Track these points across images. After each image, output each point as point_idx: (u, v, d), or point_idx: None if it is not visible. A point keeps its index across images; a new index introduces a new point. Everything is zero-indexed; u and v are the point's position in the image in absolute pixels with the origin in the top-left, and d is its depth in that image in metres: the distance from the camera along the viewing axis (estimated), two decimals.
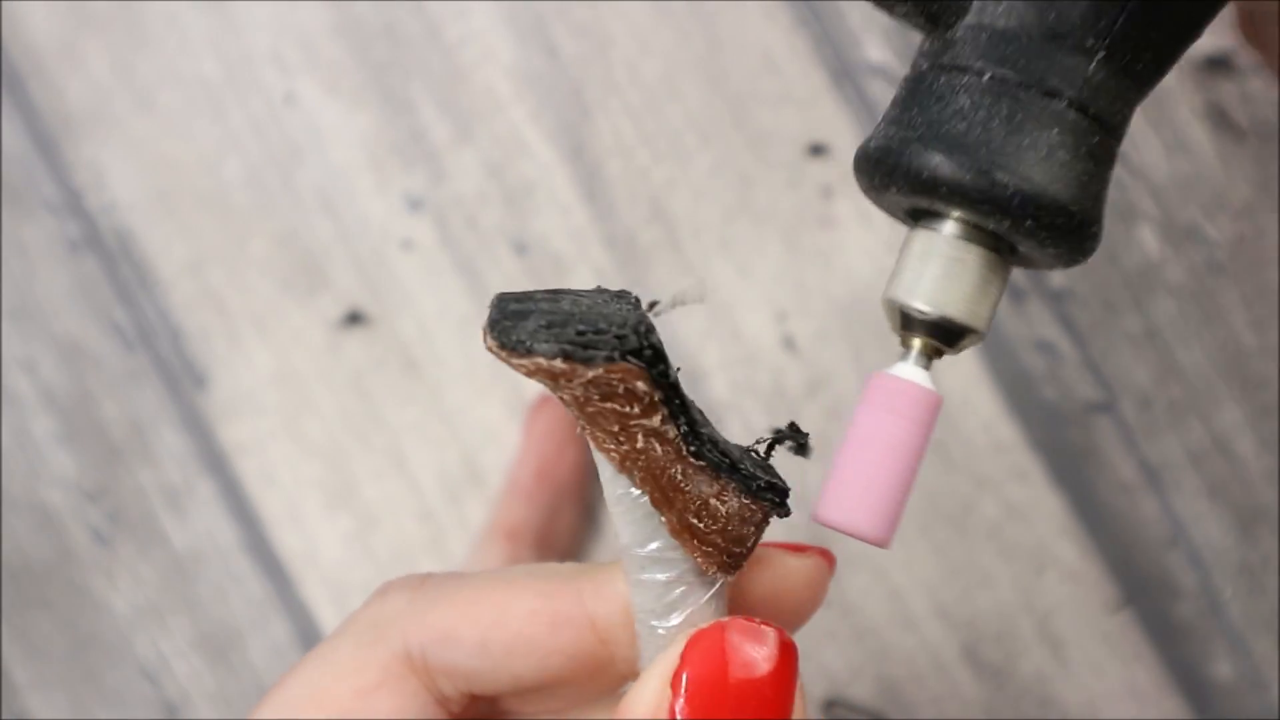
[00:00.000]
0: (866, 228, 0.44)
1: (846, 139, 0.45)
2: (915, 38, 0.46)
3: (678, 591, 0.26)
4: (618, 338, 0.24)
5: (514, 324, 0.25)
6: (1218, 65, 0.44)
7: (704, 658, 0.25)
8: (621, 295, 0.26)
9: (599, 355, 0.24)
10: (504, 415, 0.45)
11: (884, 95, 0.45)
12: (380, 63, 0.46)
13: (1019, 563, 0.44)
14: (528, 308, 0.25)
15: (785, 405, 0.44)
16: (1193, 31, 0.26)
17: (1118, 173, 0.43)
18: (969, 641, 0.44)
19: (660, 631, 0.26)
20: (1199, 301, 0.44)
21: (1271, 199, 0.44)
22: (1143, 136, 0.44)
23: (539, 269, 0.45)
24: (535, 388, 0.45)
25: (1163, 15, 0.25)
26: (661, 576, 0.26)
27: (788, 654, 0.25)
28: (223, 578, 0.45)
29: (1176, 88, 0.44)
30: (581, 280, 0.45)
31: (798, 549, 0.28)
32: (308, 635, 0.45)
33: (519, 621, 0.27)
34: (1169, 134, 0.44)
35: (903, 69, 0.45)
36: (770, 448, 0.27)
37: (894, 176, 0.26)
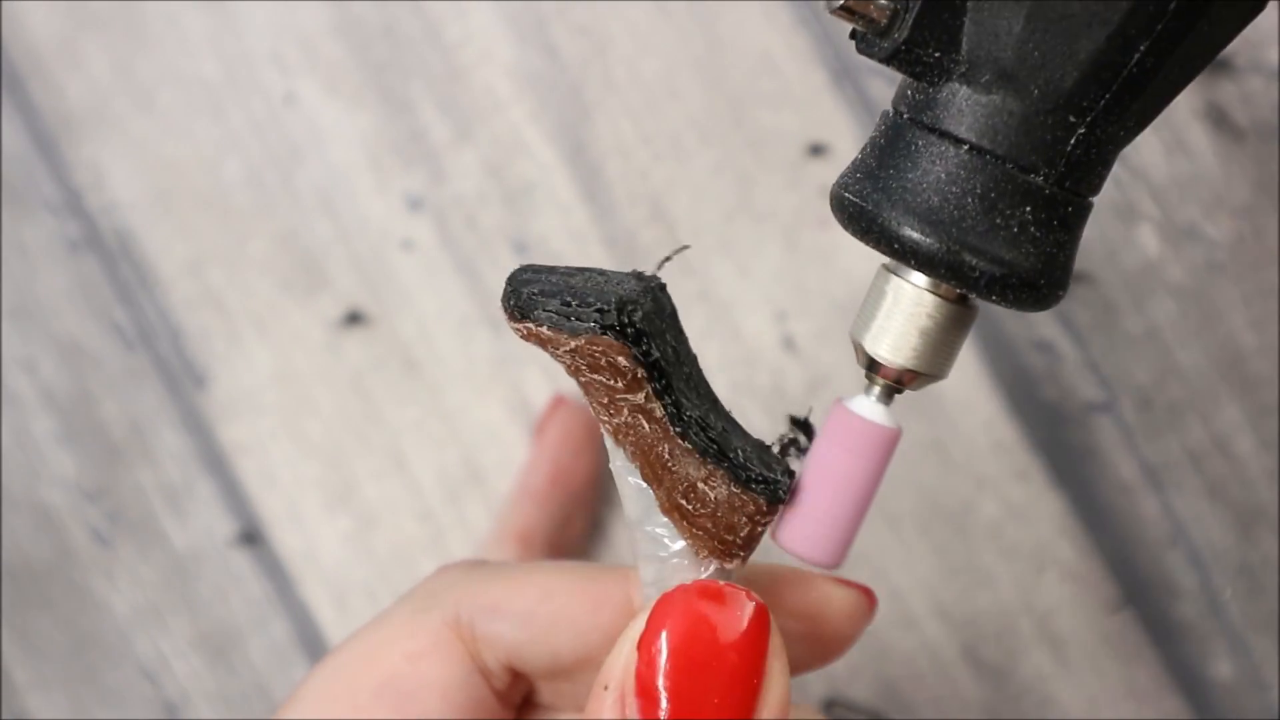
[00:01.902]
0: None
1: (846, 139, 0.45)
2: None
3: (681, 570, 0.27)
4: (599, 312, 0.25)
5: (516, 289, 0.26)
6: (1218, 65, 0.44)
7: (673, 620, 0.25)
8: (638, 276, 0.27)
9: (581, 327, 0.25)
10: (504, 415, 0.45)
11: (884, 95, 0.45)
12: (380, 63, 0.46)
13: (1019, 563, 0.44)
14: (537, 278, 0.26)
15: (785, 405, 0.44)
16: (1174, 96, 0.27)
17: (1117, 172, 0.44)
18: (969, 641, 0.44)
19: None
20: (1199, 301, 0.44)
21: (1271, 199, 0.44)
22: (1143, 137, 0.44)
23: None
24: (537, 389, 0.45)
25: (1147, 89, 0.26)
26: (662, 553, 0.26)
27: (760, 618, 0.26)
28: (223, 578, 0.45)
29: None
30: None
31: (843, 581, 0.29)
32: (308, 635, 0.45)
33: (563, 597, 0.28)
34: (1168, 134, 0.44)
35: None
36: (784, 450, 0.28)
37: (868, 235, 0.27)
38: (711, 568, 0.27)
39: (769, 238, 0.45)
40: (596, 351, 0.25)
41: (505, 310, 0.26)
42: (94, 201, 0.46)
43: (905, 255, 0.26)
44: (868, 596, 0.30)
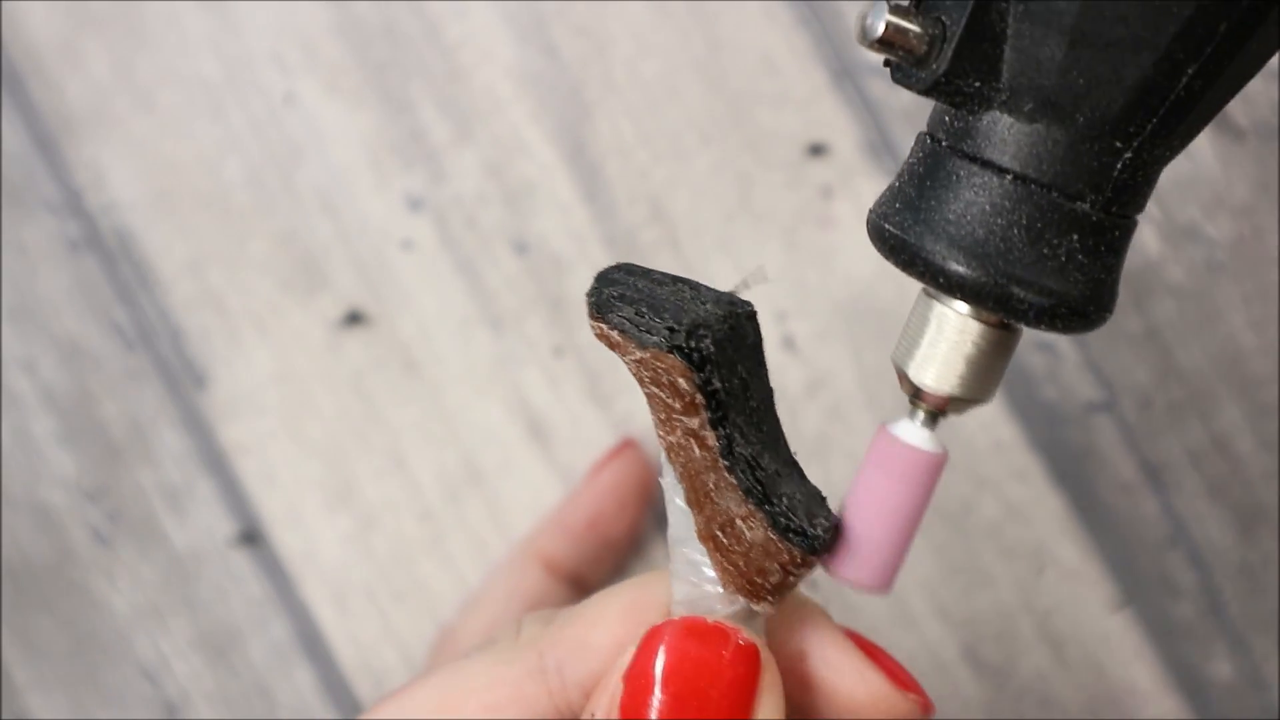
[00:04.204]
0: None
1: (846, 139, 0.45)
2: None
3: (713, 596, 0.26)
4: (669, 330, 0.25)
5: (600, 288, 0.26)
6: None
7: (660, 655, 0.25)
8: (730, 299, 0.27)
9: (649, 340, 0.25)
10: (504, 415, 0.45)
11: (884, 95, 0.45)
12: (380, 63, 0.46)
13: (1019, 563, 0.44)
14: (626, 280, 0.26)
15: (785, 405, 0.44)
16: (1220, 110, 0.26)
17: None
18: (969, 641, 0.44)
19: None
20: (1199, 301, 0.44)
21: (1271, 199, 0.44)
22: None
23: (539, 269, 0.45)
24: (537, 389, 0.45)
25: (1193, 110, 0.25)
26: (694, 577, 0.26)
27: (748, 659, 0.26)
28: (223, 578, 0.45)
29: None
30: (581, 280, 0.45)
31: (905, 684, 0.29)
32: (308, 635, 0.45)
33: (653, 621, 0.27)
34: None
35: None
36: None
37: (911, 269, 0.26)
38: (740, 603, 0.26)
39: (769, 238, 0.45)
40: (660, 367, 0.25)
41: (588, 304, 0.26)
42: (94, 201, 0.46)
43: (951, 289, 0.26)
44: (924, 707, 0.29)
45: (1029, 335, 0.44)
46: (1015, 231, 0.25)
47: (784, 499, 0.26)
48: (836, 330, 0.44)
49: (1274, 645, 0.43)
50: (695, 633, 0.25)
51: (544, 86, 0.45)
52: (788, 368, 0.45)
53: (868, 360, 0.44)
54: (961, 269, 0.25)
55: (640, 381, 0.26)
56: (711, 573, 0.26)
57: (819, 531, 0.26)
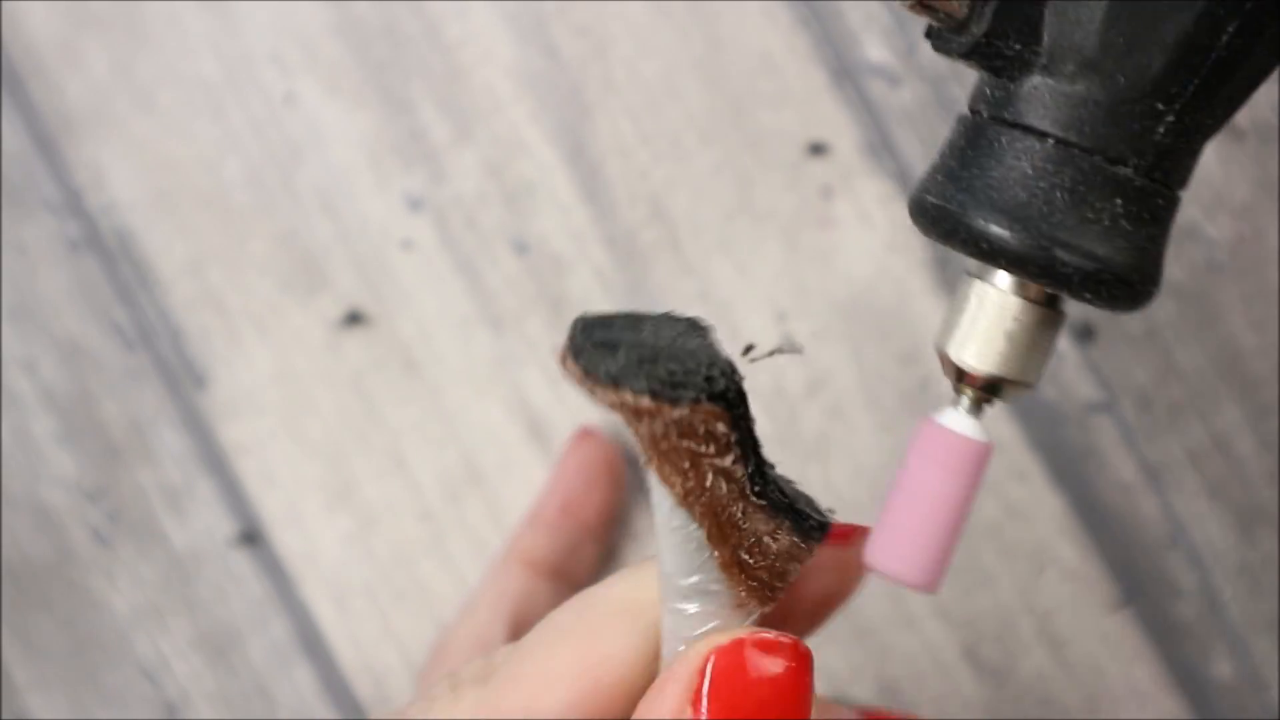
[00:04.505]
0: (866, 228, 0.44)
1: (846, 139, 0.45)
2: (917, 37, 0.46)
3: (714, 623, 0.26)
4: (707, 379, 0.24)
5: (602, 355, 0.24)
6: None
7: (723, 671, 0.25)
8: (694, 324, 0.26)
9: (686, 396, 0.23)
10: (504, 415, 0.45)
11: (884, 95, 0.45)
12: (380, 63, 0.46)
13: (1019, 563, 0.44)
14: (614, 337, 0.24)
15: (785, 405, 0.44)
16: (1263, 79, 0.26)
17: None
18: (969, 641, 0.44)
19: None
20: (1199, 301, 0.44)
21: (1271, 199, 0.44)
22: None
23: (539, 269, 0.45)
24: (537, 389, 0.45)
25: (1236, 73, 0.25)
26: (696, 608, 0.26)
27: (804, 664, 0.26)
28: (223, 578, 0.45)
29: None
30: (581, 280, 0.45)
31: (840, 537, 0.27)
32: (308, 635, 0.45)
33: (613, 679, 0.27)
34: None
35: (903, 69, 0.45)
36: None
37: (953, 239, 0.26)
38: (754, 615, 0.26)
39: (769, 238, 0.45)
40: (698, 420, 0.24)
41: (588, 375, 0.24)
42: (94, 201, 0.46)
43: (994, 255, 0.25)
44: (864, 534, 0.28)
45: None
46: (1058, 195, 0.25)
47: (801, 500, 0.26)
48: (836, 330, 0.44)
49: (1274, 645, 0.43)
50: (760, 647, 0.25)
51: (544, 86, 0.45)
52: (788, 368, 0.45)
53: (868, 360, 0.44)
54: (1004, 232, 0.25)
55: (656, 441, 0.24)
56: (708, 603, 0.25)
57: (827, 517, 0.26)
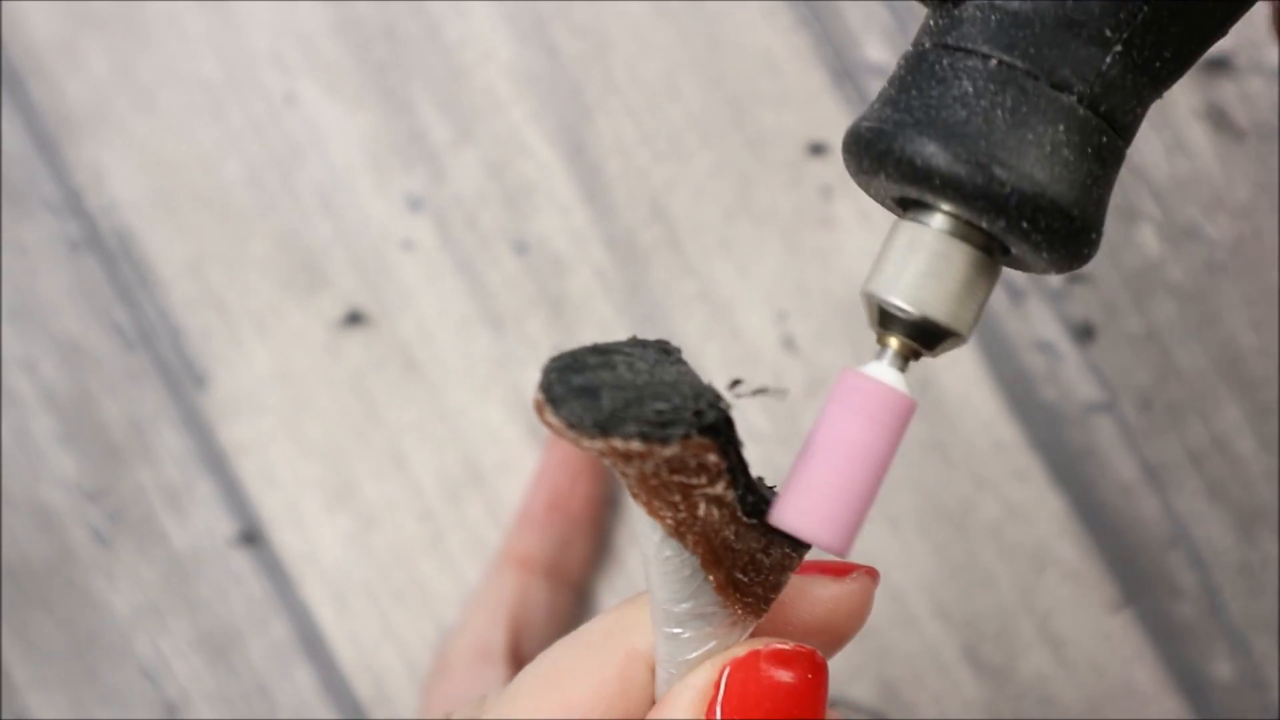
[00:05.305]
0: (866, 228, 0.44)
1: None
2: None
3: (710, 645, 0.26)
4: (696, 414, 0.23)
5: (583, 403, 0.23)
6: (1217, 65, 0.44)
7: (739, 685, 0.25)
8: (664, 349, 0.25)
9: (676, 434, 0.23)
10: (504, 415, 0.45)
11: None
12: (380, 63, 0.46)
13: (1019, 563, 0.44)
14: (592, 381, 0.23)
15: (785, 405, 0.44)
16: (1218, 29, 0.25)
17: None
18: (969, 641, 0.44)
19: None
20: (1199, 301, 0.44)
21: (1271, 199, 0.44)
22: (1142, 137, 0.44)
23: (539, 269, 0.45)
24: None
25: (1189, 10, 0.24)
26: (691, 632, 0.25)
27: (819, 674, 0.26)
28: (223, 578, 0.45)
29: (1176, 88, 0.44)
30: (581, 280, 0.45)
31: (838, 572, 0.27)
32: (308, 635, 0.45)
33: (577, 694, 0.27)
34: (1169, 134, 0.44)
35: None
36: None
37: (884, 162, 0.24)
38: (748, 632, 0.26)
39: (769, 238, 0.45)
40: (689, 455, 0.23)
41: (572, 428, 0.23)
42: (94, 201, 0.46)
43: (927, 175, 0.23)
44: (871, 576, 0.28)
45: (1028, 335, 0.44)
46: (998, 114, 0.23)
47: None
48: (836, 330, 0.44)
49: (1274, 645, 0.43)
50: (775, 659, 0.25)
51: (544, 86, 0.45)
52: (788, 368, 0.45)
53: (868, 360, 0.44)
54: (939, 150, 0.23)
55: (645, 479, 0.23)
56: (702, 626, 0.25)
57: None
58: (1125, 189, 0.44)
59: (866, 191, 0.26)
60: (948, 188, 0.23)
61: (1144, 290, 0.44)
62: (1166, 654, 0.44)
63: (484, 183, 0.45)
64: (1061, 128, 0.24)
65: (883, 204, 0.26)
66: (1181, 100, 0.44)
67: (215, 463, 0.46)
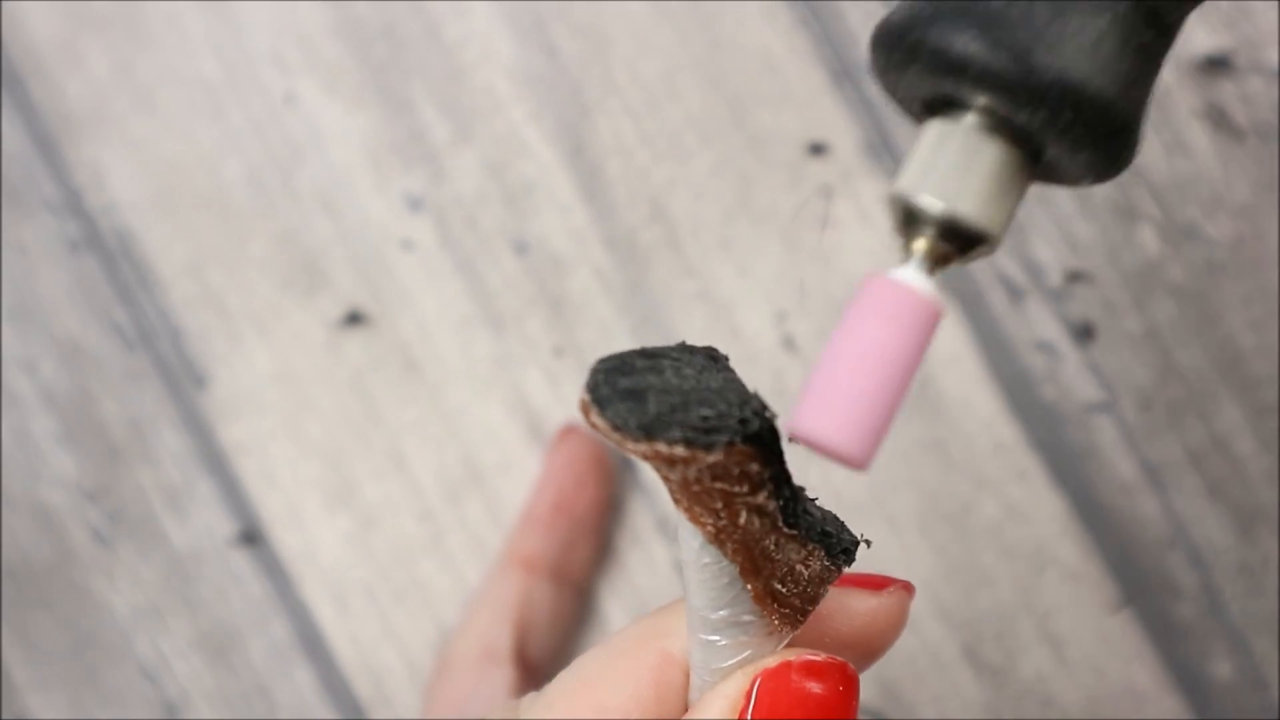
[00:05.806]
0: (866, 228, 0.44)
1: (846, 139, 0.45)
2: None
3: (746, 653, 0.25)
4: (741, 421, 0.23)
5: (630, 406, 0.23)
6: (1217, 65, 0.44)
7: (769, 695, 0.25)
8: (712, 355, 0.25)
9: (721, 441, 0.23)
10: (504, 415, 0.45)
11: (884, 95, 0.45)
12: (380, 63, 0.46)
13: (1019, 563, 0.44)
14: (638, 384, 0.23)
15: (785, 405, 0.44)
16: None
17: None
18: (969, 641, 0.44)
19: None
20: (1199, 301, 0.44)
21: (1271, 199, 0.44)
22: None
23: (539, 269, 0.45)
24: (537, 389, 0.45)
25: None
26: (726, 640, 0.25)
27: (851, 687, 0.26)
28: (223, 578, 0.45)
29: (1176, 88, 0.44)
30: (581, 280, 0.45)
31: (876, 585, 0.28)
32: (308, 635, 0.45)
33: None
34: (1168, 134, 0.44)
35: None
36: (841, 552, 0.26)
37: (917, 53, 0.23)
38: (785, 641, 0.26)
39: (769, 238, 0.45)
40: (732, 463, 0.23)
41: (617, 429, 0.23)
42: (94, 201, 0.46)
43: (965, 64, 0.22)
44: (907, 590, 0.28)
45: (1028, 335, 0.44)
46: (1038, 3, 0.22)
47: (828, 523, 0.25)
48: None
49: (1274, 645, 0.43)
50: (807, 671, 0.25)
51: (544, 86, 0.45)
52: (788, 368, 0.45)
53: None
54: (975, 37, 0.22)
55: (688, 485, 0.23)
56: (738, 635, 0.25)
57: (855, 537, 0.26)
58: (1125, 189, 0.44)
59: (892, 96, 0.25)
60: (985, 78, 0.22)
61: (1144, 290, 0.44)
62: (1166, 654, 0.44)
63: (484, 183, 0.45)
64: (1105, 19, 0.23)
65: (908, 112, 0.25)
66: (1181, 100, 0.44)
67: (215, 463, 0.46)
